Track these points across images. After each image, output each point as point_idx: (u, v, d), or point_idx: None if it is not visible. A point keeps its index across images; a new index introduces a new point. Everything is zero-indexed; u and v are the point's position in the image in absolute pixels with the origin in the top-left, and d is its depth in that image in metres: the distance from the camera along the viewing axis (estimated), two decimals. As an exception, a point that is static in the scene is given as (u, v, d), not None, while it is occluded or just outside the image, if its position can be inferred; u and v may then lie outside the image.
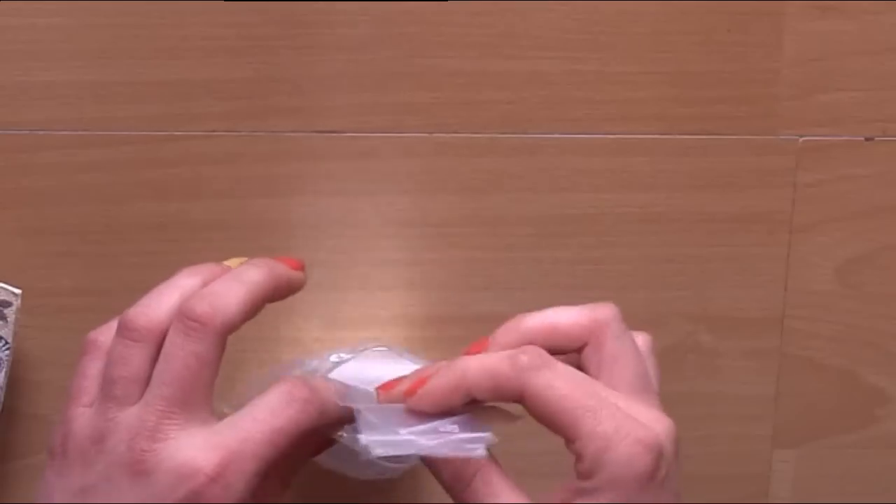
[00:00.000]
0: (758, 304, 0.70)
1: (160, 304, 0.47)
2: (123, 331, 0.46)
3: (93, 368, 0.47)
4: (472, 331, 0.69)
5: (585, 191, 0.67)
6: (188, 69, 0.64)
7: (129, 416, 0.44)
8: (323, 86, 0.65)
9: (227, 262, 0.51)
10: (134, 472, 0.43)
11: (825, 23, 0.65)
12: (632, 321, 0.70)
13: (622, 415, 0.44)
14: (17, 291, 0.64)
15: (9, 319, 0.64)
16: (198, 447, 0.43)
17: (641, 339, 0.49)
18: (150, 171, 0.65)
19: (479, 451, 0.45)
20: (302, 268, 0.51)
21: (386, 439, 0.44)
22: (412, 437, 0.45)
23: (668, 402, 0.73)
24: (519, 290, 0.69)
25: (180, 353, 0.44)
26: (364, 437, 0.44)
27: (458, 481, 0.45)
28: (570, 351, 0.48)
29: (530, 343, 0.46)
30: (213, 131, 0.65)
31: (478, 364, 0.46)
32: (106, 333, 0.48)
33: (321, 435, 0.47)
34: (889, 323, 0.70)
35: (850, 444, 0.72)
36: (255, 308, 0.47)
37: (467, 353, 0.48)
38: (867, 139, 0.67)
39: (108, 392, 0.45)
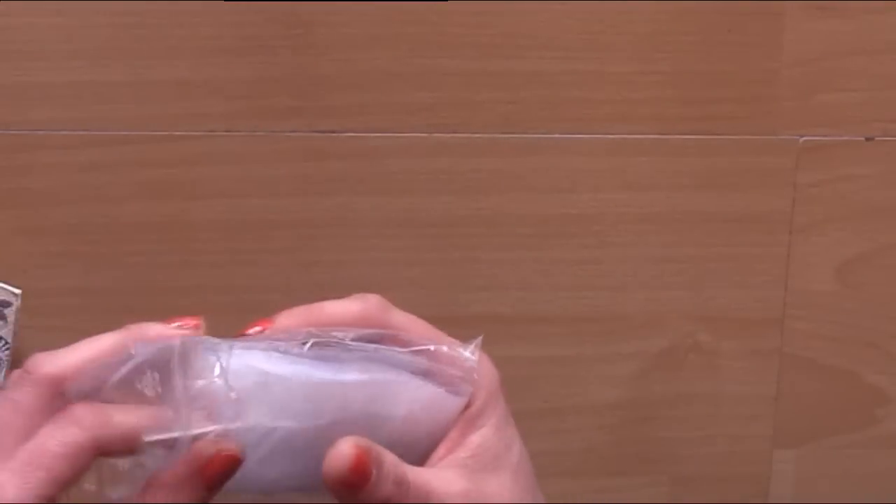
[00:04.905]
0: (758, 304, 0.70)
1: None
2: None
3: None
4: (472, 331, 0.70)
5: (585, 191, 0.67)
6: (188, 69, 0.64)
7: None
8: (323, 86, 0.65)
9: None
10: None
11: (825, 23, 0.65)
12: (632, 321, 0.70)
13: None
14: (17, 291, 0.64)
15: (9, 319, 0.64)
16: None
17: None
18: (150, 171, 0.65)
19: None
20: (195, 326, 0.45)
21: None
22: None
23: (668, 402, 0.73)
24: (519, 290, 0.69)
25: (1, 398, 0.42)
26: None
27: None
28: None
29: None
30: (213, 131, 0.65)
31: (339, 304, 0.46)
32: None
33: None
34: (889, 323, 0.70)
35: (850, 444, 0.72)
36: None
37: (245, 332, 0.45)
38: (867, 139, 0.67)
39: None
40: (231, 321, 0.67)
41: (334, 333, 0.43)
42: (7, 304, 0.64)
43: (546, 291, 0.69)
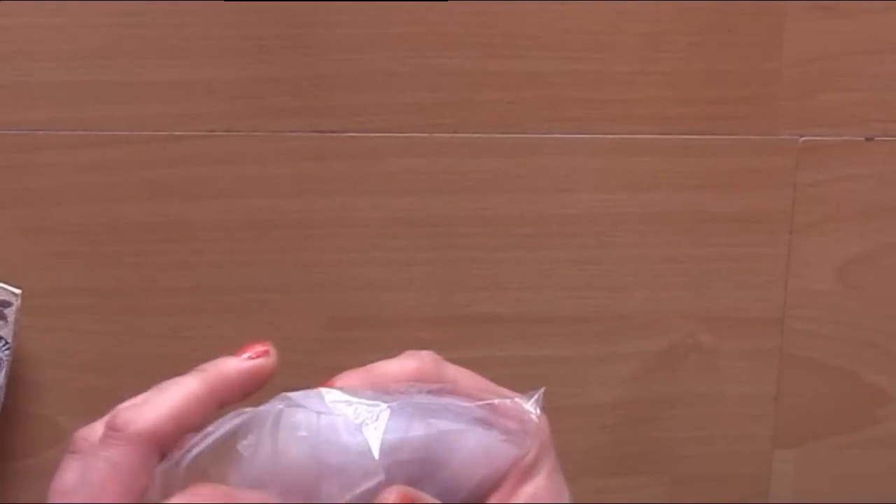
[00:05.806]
0: (758, 304, 0.70)
1: None
2: None
3: None
4: (472, 331, 0.70)
5: (585, 191, 0.67)
6: (188, 69, 0.64)
7: None
8: (323, 86, 0.65)
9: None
10: None
11: (825, 23, 0.65)
12: (632, 321, 0.70)
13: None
14: (17, 291, 0.64)
15: (9, 319, 0.64)
16: None
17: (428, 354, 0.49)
18: (150, 171, 0.65)
19: None
20: (266, 353, 0.46)
21: None
22: None
23: (668, 402, 0.73)
24: (519, 290, 0.69)
25: (92, 459, 0.41)
26: None
27: None
28: None
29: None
30: (213, 131, 0.65)
31: (395, 362, 0.46)
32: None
33: None
34: (889, 323, 0.70)
35: (850, 444, 0.72)
36: (187, 414, 0.43)
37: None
38: (867, 139, 0.67)
39: None
40: (231, 321, 0.68)
41: (400, 389, 0.44)
42: (7, 304, 0.64)
43: (546, 291, 0.69)
